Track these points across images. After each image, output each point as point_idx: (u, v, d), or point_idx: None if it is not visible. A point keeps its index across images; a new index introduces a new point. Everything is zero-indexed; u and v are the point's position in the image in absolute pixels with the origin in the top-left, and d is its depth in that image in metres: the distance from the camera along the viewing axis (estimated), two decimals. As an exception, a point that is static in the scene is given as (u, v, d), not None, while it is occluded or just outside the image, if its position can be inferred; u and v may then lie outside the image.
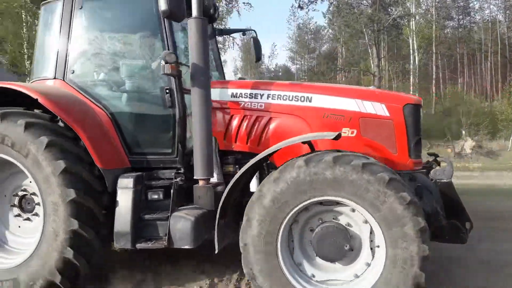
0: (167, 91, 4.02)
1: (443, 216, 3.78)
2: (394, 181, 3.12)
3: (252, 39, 5.95)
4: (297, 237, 3.56)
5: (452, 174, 3.96)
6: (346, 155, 3.31)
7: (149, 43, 4.28)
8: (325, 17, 39.77)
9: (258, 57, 6.02)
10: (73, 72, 4.32)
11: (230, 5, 22.40)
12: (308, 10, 30.74)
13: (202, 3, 3.65)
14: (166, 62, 3.65)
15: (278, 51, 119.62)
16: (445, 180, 3.90)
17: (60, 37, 4.35)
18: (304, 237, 3.56)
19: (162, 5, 3.44)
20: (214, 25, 5.45)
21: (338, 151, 3.44)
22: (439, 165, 4.52)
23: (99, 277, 4.22)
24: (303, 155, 3.38)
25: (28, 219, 4.08)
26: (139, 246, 3.82)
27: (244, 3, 23.96)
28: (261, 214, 3.33)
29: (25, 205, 4.04)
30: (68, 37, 4.32)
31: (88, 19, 4.36)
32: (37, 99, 3.75)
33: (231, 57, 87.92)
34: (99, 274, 4.25)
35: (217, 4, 5.26)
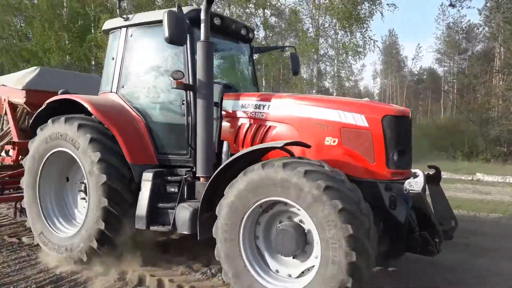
0: (183, 102, 4.88)
1: (417, 227, 3.93)
2: (329, 189, 3.40)
3: (290, 54, 6.56)
4: (261, 234, 4.00)
5: (423, 186, 3.99)
6: (295, 162, 3.69)
7: (174, 65, 5.01)
8: (480, 14, 36.54)
9: (295, 71, 6.48)
10: (123, 87, 5.38)
11: (373, 7, 22.54)
12: (462, 7, 28.85)
13: (209, 29, 4.41)
14: (174, 79, 4.43)
15: (423, 53, 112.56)
16: (416, 191, 3.91)
17: (116, 59, 5.46)
18: (267, 234, 3.99)
19: (165, 33, 4.28)
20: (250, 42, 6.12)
21: (300, 158, 3.91)
22: (439, 177, 4.65)
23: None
24: (269, 160, 3.88)
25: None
26: (152, 228, 4.66)
27: (388, 4, 23.82)
28: (227, 207, 3.89)
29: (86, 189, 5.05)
30: (122, 59, 5.40)
31: (134, 44, 5.36)
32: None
33: (371, 60, 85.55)
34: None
35: (252, 26, 6.18)
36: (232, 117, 4.90)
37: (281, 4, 23.81)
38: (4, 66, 32.22)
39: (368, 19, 22.01)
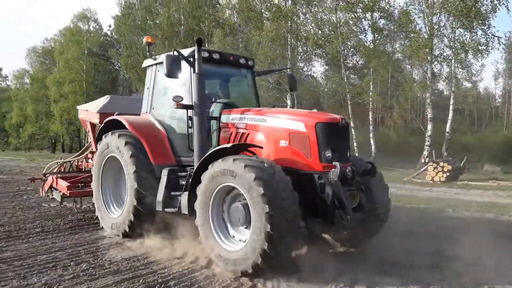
0: (190, 117, 6.31)
1: (336, 207, 5.04)
2: (257, 179, 4.69)
3: (288, 75, 8.01)
4: (226, 209, 5.38)
5: (339, 175, 4.97)
6: (242, 158, 5.07)
7: (183, 91, 6.41)
8: None
9: (292, 89, 7.99)
10: (153, 109, 7.18)
11: (497, 2, 20.29)
12: None
13: (201, 63, 5.97)
14: (175, 101, 6.04)
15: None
16: (334, 179, 5.01)
17: (149, 88, 7.29)
18: (229, 210, 5.32)
19: (164, 71, 5.95)
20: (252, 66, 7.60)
21: (251, 156, 5.37)
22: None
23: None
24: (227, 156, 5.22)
25: None
26: (166, 210, 6.21)
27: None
28: (201, 189, 5.39)
29: None
30: (152, 88, 7.22)
31: (159, 78, 7.05)
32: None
33: (492, 60, 77.40)
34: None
35: (250, 56, 7.89)
36: (226, 127, 6.38)
37: (389, 6, 22.87)
38: (131, 80, 35.97)
39: (491, 14, 20.00)
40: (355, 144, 21.64)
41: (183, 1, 27.46)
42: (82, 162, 9.65)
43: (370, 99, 21.96)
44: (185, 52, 6.38)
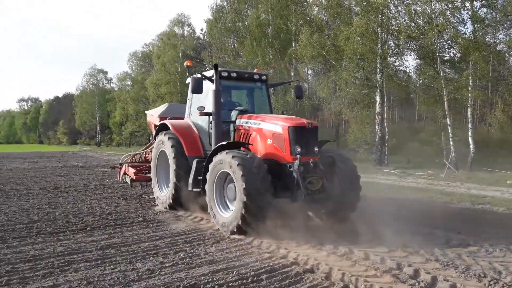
0: (211, 122, 8.35)
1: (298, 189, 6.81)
2: (239, 165, 6.61)
3: (295, 86, 10.09)
4: (226, 188, 7.28)
5: (299, 165, 6.83)
6: (232, 151, 7.04)
7: (208, 102, 8.49)
8: None
9: (298, 97, 9.87)
10: (191, 115, 9.37)
11: None
12: None
13: (218, 82, 8.10)
14: (198, 110, 8.38)
15: None
16: (296, 168, 6.84)
17: (189, 99, 9.45)
18: (226, 189, 7.26)
19: (190, 88, 8.41)
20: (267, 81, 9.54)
21: (244, 151, 7.23)
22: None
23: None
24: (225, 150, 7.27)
25: None
26: (194, 189, 8.17)
27: None
28: (209, 173, 7.42)
29: None
30: (191, 99, 9.39)
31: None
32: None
33: None
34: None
35: (264, 72, 9.94)
36: (239, 129, 8.44)
37: (493, -8, 20.90)
38: (220, 81, 37.11)
39: None
40: (451, 142, 20.19)
41: (271, 0, 27.80)
42: (148, 154, 11.74)
43: (470, 94, 20.30)
44: (208, 73, 8.56)
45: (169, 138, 8.96)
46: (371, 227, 7.23)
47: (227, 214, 7.13)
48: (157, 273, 5.01)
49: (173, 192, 8.74)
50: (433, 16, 20.69)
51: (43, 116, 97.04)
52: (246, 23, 29.83)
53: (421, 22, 21.53)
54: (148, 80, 44.71)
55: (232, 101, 9.34)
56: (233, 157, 6.78)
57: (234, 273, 4.97)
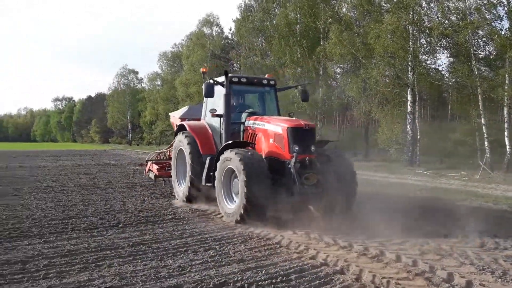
0: (222, 123, 9.07)
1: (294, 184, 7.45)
2: (241, 161, 7.41)
3: (301, 90, 10.42)
4: (233, 182, 8.06)
5: (295, 162, 7.51)
6: (237, 149, 7.91)
7: (220, 105, 9.25)
8: None
9: (304, 100, 10.55)
10: (206, 117, 10.15)
11: None
12: None
13: (228, 86, 8.86)
14: (211, 112, 9.31)
15: None
16: (292, 165, 7.51)
17: (205, 103, 10.32)
18: (232, 184, 8.12)
19: (203, 93, 8.94)
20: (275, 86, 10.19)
21: (247, 149, 8.13)
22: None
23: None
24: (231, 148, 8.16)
25: None
26: (207, 184, 8.94)
27: None
28: (217, 169, 8.29)
29: None
30: (206, 103, 10.25)
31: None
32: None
33: None
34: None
35: (272, 77, 10.27)
36: (247, 130, 9.11)
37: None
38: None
39: None
40: (486, 143, 19.55)
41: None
42: (171, 152, 12.13)
43: (506, 93, 19.58)
44: (220, 79, 9.22)
45: (185, 137, 9.75)
46: (402, 229, 7.09)
47: (232, 206, 7.92)
48: (188, 270, 5.08)
49: (189, 185, 9.50)
50: (468, 12, 20.10)
51: (77, 115, 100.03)
52: (274, 22, 29.81)
53: (455, 19, 20.94)
54: (177, 80, 45.37)
55: (244, 104, 10.19)
56: (236, 154, 7.61)
57: (263, 272, 4.98)
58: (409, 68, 21.90)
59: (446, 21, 21.14)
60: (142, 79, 70.12)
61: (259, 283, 4.63)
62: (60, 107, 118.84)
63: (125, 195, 11.27)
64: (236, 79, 9.32)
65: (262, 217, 7.38)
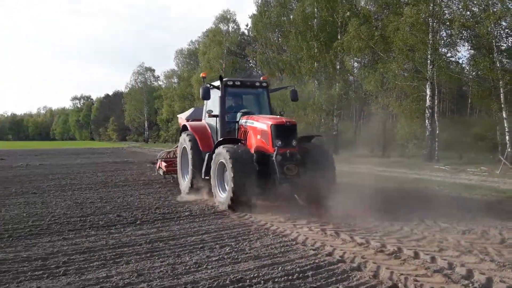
0: (217, 120, 10.16)
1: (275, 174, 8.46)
2: (230, 155, 8.37)
3: (291, 91, 11.01)
4: (225, 174, 8.88)
5: (276, 155, 8.39)
6: (227, 145, 8.97)
7: (217, 106, 10.17)
8: None
9: (293, 100, 11.17)
10: (206, 117, 10.81)
11: None
12: None
13: (223, 89, 10.03)
14: (207, 113, 10.36)
15: None
16: (274, 157, 8.40)
17: (204, 104, 11.16)
18: (224, 176, 9.01)
19: (201, 95, 9.96)
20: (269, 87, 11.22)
21: (237, 145, 9.10)
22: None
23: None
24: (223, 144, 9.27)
25: None
26: (206, 177, 9.73)
27: None
28: (212, 163, 9.24)
29: None
30: (206, 105, 11.05)
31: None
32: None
33: None
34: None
35: (264, 79, 11.26)
36: (241, 128, 9.98)
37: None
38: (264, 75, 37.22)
39: None
40: (507, 137, 19.09)
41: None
42: None
43: (529, 86, 19.09)
44: (216, 83, 10.30)
45: (187, 136, 10.78)
46: (419, 225, 6.98)
47: (224, 195, 8.87)
48: (204, 266, 5.09)
49: (191, 175, 10.37)
50: (490, 2, 19.61)
51: (94, 113, 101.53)
52: (291, 16, 29.61)
53: (477, 10, 20.46)
54: (193, 77, 45.55)
55: (240, 105, 10.95)
56: (226, 150, 8.56)
57: (279, 269, 4.96)
58: (429, 61, 21.51)
59: (468, 13, 20.69)
60: (158, 77, 70.82)
61: (276, 280, 4.61)
62: (79, 105, 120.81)
63: (142, 192, 11.39)
64: (231, 83, 10.29)
65: (248, 203, 8.36)
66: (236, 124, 10.16)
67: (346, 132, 30.92)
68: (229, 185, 8.43)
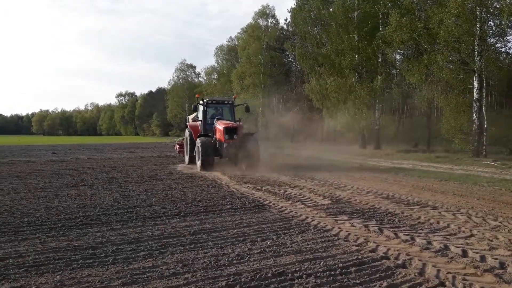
0: (201, 124, 18.52)
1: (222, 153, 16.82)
2: (200, 140, 16.42)
3: (244, 106, 19.01)
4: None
5: (225, 142, 16.22)
6: (200, 136, 17.08)
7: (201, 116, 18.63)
8: None
9: (246, 111, 19.05)
10: (200, 121, 18.64)
11: None
12: None
13: (204, 105, 18.29)
14: (195, 120, 19.63)
15: None
16: (225, 145, 16.34)
17: (197, 113, 19.96)
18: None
19: (192, 109, 19.28)
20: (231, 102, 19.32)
21: (207, 137, 16.99)
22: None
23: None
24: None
25: None
26: (192, 154, 17.88)
27: None
28: (195, 147, 17.55)
29: None
30: (197, 112, 20.11)
31: (201, 109, 18.78)
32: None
33: None
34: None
35: (230, 98, 19.85)
36: (214, 128, 17.34)
37: None
38: (303, 70, 36.98)
39: None
40: None
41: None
42: None
43: None
44: (200, 102, 18.10)
45: (187, 130, 18.55)
46: (466, 223, 6.72)
47: (199, 163, 16.11)
48: (246, 259, 5.15)
49: (189, 155, 18.08)
50: (543, -11, 18.47)
51: (138, 109, 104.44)
52: (331, 9, 29.13)
53: (528, -2, 19.33)
54: (233, 73, 45.87)
55: (217, 113, 18.33)
56: (199, 140, 16.07)
57: (321, 264, 4.93)
58: (476, 52, 20.58)
59: (518, 0, 19.57)
60: (199, 73, 71.74)
61: (318, 275, 4.59)
62: (123, 102, 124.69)
63: (185, 186, 11.65)
64: (210, 101, 18.49)
65: (210, 168, 15.67)
66: (213, 125, 17.26)
67: (388, 126, 30.16)
68: (200, 158, 15.78)
